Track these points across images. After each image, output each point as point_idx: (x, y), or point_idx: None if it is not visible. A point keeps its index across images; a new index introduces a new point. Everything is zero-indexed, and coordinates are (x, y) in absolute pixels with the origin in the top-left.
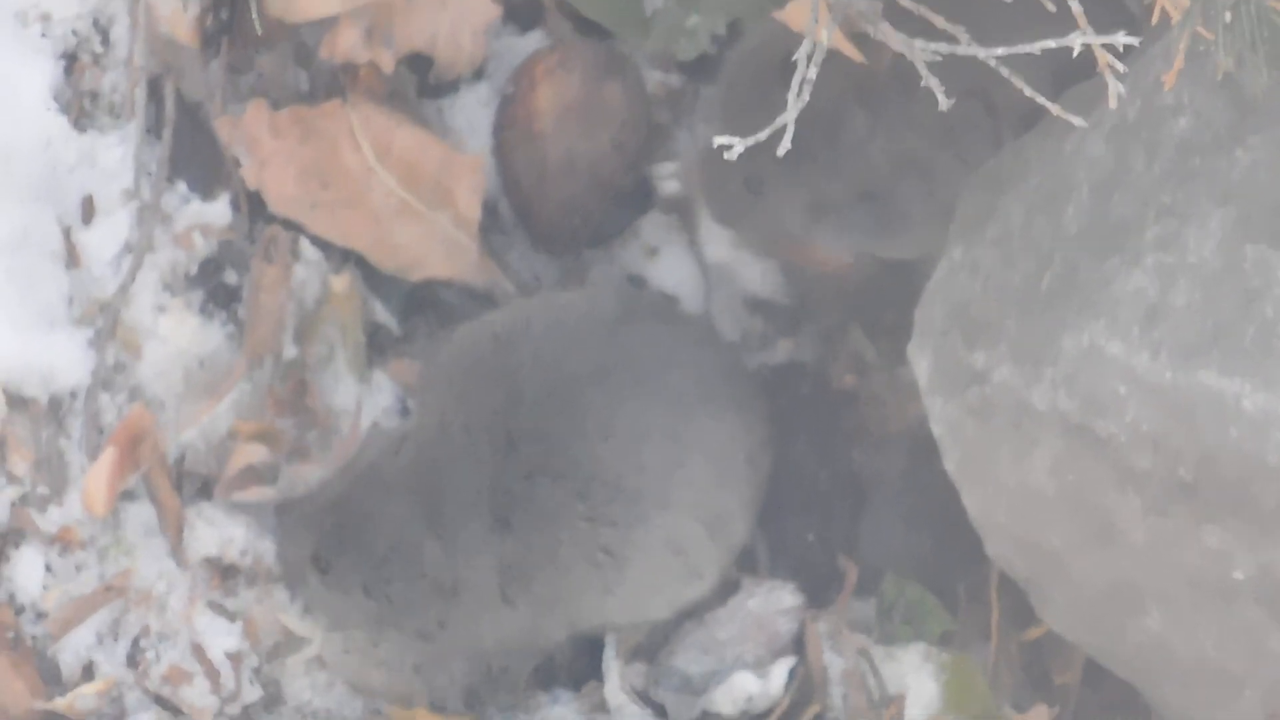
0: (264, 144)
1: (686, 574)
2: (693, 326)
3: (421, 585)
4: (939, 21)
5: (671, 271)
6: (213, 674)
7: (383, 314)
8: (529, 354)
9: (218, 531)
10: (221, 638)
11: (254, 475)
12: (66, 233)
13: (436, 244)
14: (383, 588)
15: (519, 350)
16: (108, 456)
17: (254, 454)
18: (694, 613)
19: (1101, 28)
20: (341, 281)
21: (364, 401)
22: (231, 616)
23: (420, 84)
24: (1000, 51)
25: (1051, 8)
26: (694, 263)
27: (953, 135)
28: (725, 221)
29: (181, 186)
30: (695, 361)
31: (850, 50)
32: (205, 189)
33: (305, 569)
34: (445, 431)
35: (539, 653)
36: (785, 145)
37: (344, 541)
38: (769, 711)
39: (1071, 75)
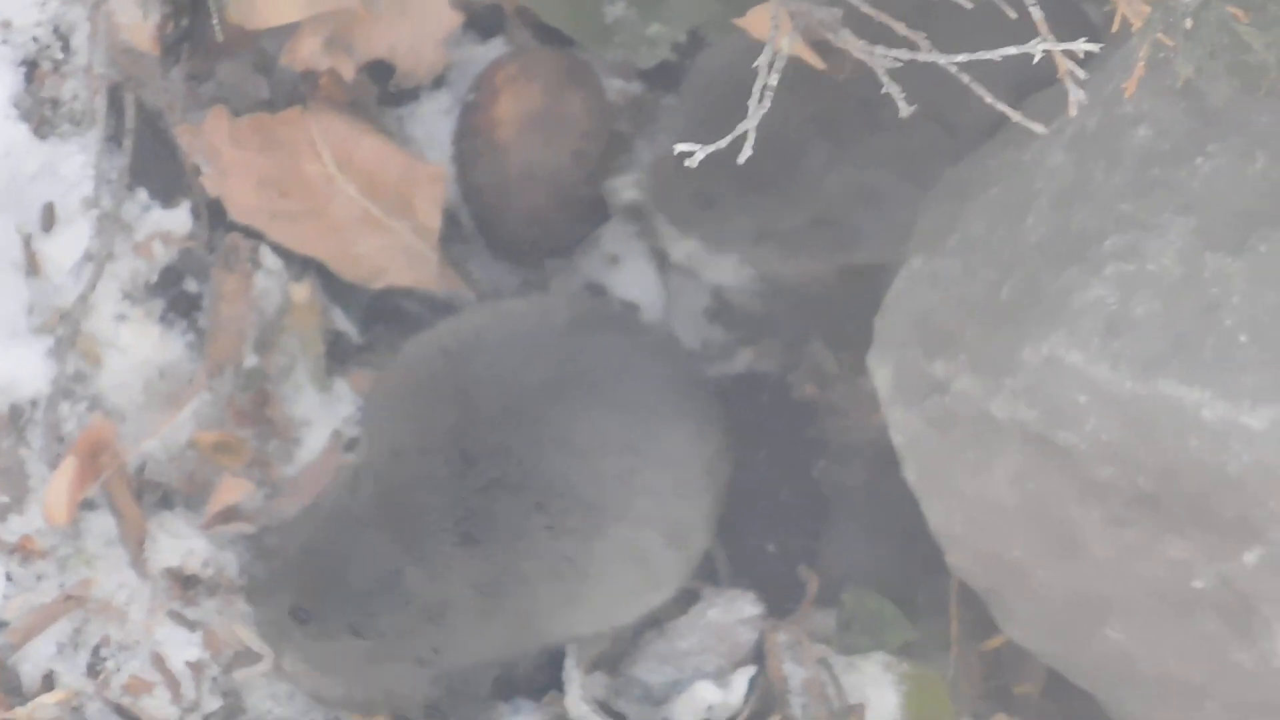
0: (224, 152)
1: (647, 583)
2: (648, 335)
3: (410, 611)
4: (899, 29)
5: (632, 280)
6: (173, 684)
7: (343, 323)
8: (482, 368)
9: (179, 542)
10: (182, 648)
11: (236, 513)
12: (26, 241)
13: (397, 253)
14: (372, 623)
15: (471, 365)
16: (68, 466)
17: (237, 490)
18: (654, 623)
19: (1062, 36)
20: (302, 290)
21: (325, 411)
22: (192, 627)
23: (381, 92)
24: (961, 58)
25: (1013, 14)
26: (654, 271)
27: (914, 164)
28: (676, 225)
29: (142, 195)
30: (651, 371)
31: (811, 58)
32: (166, 197)
33: (286, 625)
34: (401, 455)
35: (501, 664)
36: (746, 152)
37: (322, 589)
38: None
39: (1030, 87)
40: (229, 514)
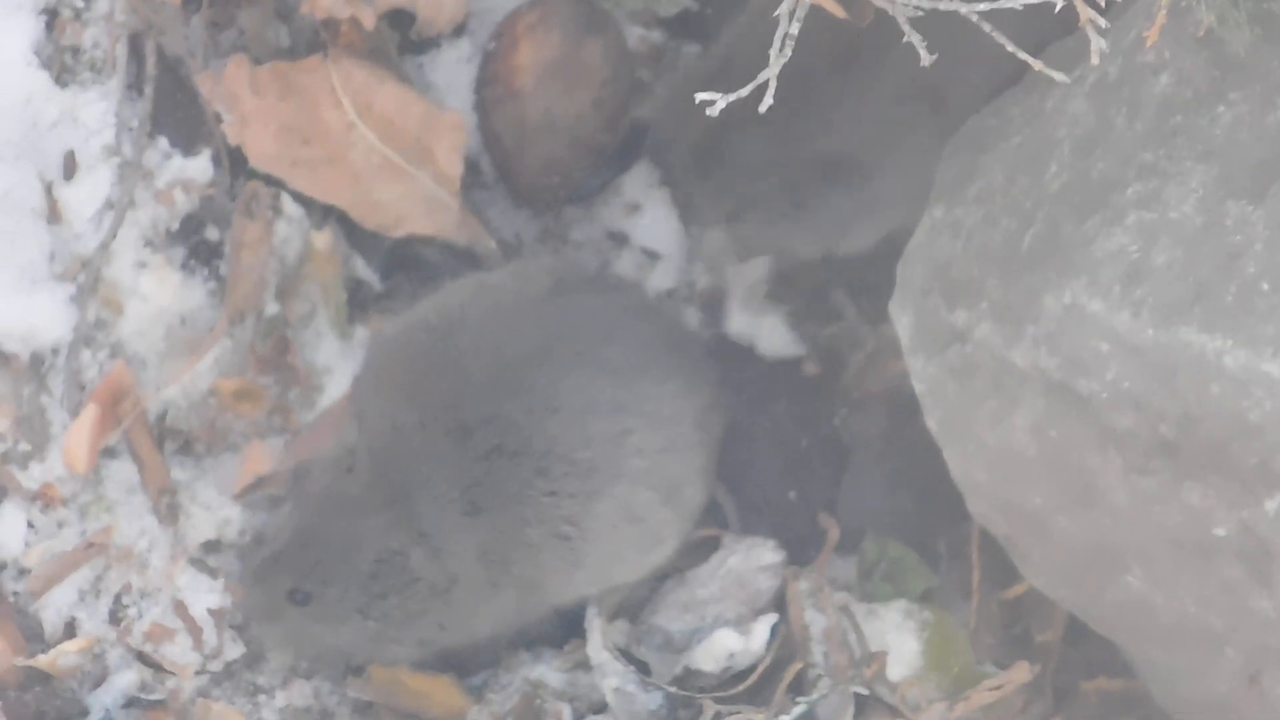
0: (245, 100)
1: (647, 541)
2: (628, 294)
3: (417, 591)
4: None
5: (653, 229)
6: (195, 631)
7: (364, 271)
8: (469, 341)
9: (207, 509)
10: (203, 595)
11: (264, 482)
12: (48, 189)
13: (418, 201)
14: (379, 605)
15: (459, 339)
16: (89, 414)
17: (264, 460)
18: (675, 571)
19: None
20: (323, 238)
21: (345, 359)
22: (213, 573)
23: (401, 40)
24: (983, 7)
25: None
26: (675, 220)
27: (888, 138)
28: (700, 221)
29: (163, 143)
30: (634, 330)
31: (833, 7)
32: (187, 145)
33: (279, 608)
34: (400, 432)
35: (509, 633)
36: (767, 102)
37: (327, 572)
38: (751, 669)
39: (1049, 34)
40: (258, 484)
